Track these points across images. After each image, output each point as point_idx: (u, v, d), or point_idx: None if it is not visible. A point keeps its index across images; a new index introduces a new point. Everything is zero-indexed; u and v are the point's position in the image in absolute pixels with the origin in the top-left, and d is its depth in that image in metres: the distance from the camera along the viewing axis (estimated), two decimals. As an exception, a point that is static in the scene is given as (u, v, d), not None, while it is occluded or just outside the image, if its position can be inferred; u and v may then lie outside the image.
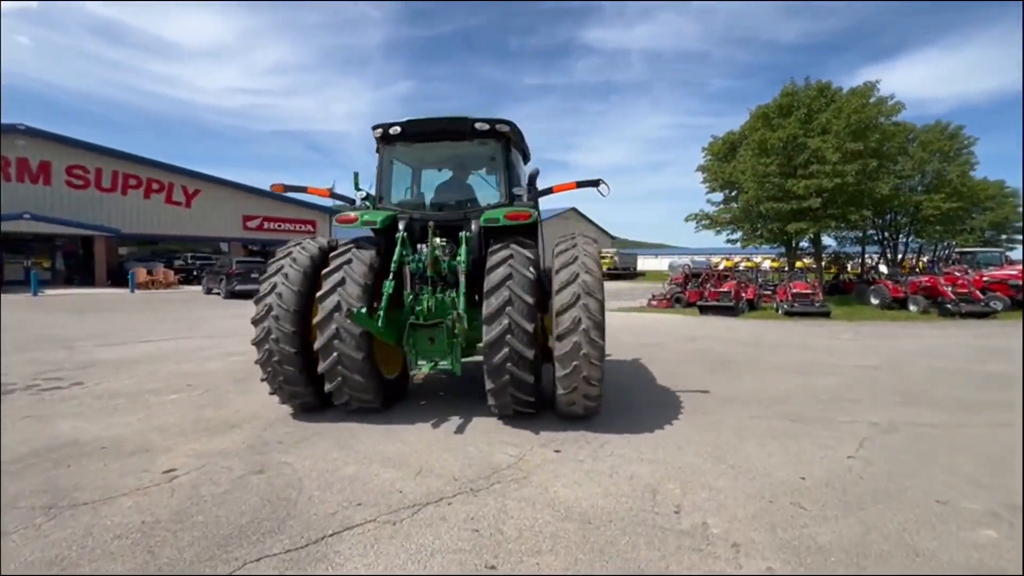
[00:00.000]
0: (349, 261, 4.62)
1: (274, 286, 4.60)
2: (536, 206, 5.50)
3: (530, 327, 4.25)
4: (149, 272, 25.88)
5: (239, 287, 20.01)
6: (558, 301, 4.25)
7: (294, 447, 4.14)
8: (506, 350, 4.21)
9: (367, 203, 5.41)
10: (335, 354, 4.42)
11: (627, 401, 5.53)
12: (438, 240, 4.93)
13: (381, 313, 4.40)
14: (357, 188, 5.39)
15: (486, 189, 5.64)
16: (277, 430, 4.54)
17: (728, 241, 22.03)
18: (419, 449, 4.11)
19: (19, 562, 2.54)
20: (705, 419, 4.94)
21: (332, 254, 4.76)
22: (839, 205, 17.73)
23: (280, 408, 5.09)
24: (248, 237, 33.48)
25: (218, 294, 21.10)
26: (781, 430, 4.63)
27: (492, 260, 4.51)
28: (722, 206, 21.73)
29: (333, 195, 5.69)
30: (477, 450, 4.11)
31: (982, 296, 14.99)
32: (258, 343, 4.58)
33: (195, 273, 27.90)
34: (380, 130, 5.26)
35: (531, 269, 4.42)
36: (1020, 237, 34.89)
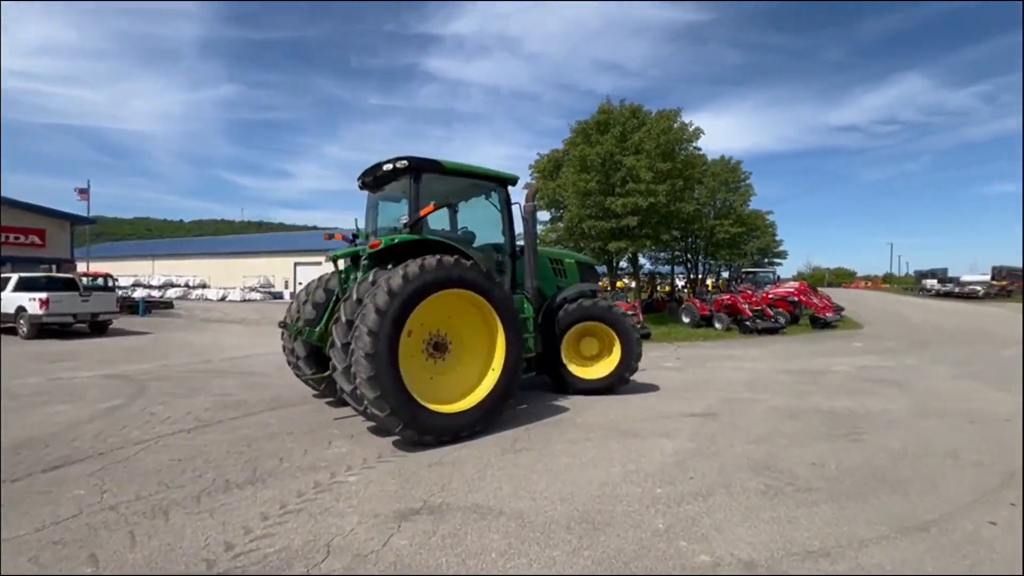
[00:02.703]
0: (316, 288, 6.34)
1: (286, 319, 6.45)
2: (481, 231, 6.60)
3: (340, 343, 4.68)
4: None
5: None
6: None
7: None
8: (332, 361, 4.86)
9: (358, 240, 6.47)
10: (292, 350, 6.39)
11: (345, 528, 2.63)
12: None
13: (321, 324, 5.76)
14: (356, 228, 6.70)
15: (438, 223, 6.39)
16: None
17: (555, 260, 21.29)
18: None
19: None
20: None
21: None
22: (652, 224, 17.92)
23: None
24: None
25: None
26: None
27: None
28: (549, 225, 21.06)
29: (344, 238, 6.77)
30: None
31: (772, 313, 16.02)
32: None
33: None
34: (357, 182, 6.52)
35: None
36: (778, 261, 42.46)
